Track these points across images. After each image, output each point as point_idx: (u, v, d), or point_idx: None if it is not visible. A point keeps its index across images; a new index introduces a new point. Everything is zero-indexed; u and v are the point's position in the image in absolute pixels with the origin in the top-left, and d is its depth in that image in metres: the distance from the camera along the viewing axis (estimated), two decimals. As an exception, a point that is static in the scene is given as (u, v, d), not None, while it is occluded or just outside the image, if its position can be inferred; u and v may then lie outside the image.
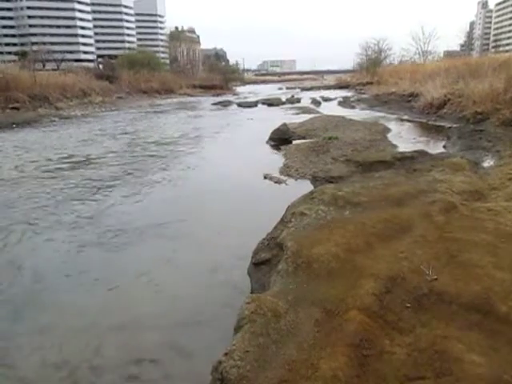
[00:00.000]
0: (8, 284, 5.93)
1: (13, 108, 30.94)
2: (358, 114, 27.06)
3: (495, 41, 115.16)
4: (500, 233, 5.48)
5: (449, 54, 70.35)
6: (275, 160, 13.34)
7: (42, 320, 5.08)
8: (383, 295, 4.13)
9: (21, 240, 7.45)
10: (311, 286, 4.44)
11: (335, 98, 41.33)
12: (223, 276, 5.85)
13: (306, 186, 9.67)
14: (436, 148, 13.99)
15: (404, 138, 16.88)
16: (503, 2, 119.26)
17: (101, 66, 71.32)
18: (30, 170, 13.11)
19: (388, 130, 18.60)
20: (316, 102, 37.94)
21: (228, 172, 12.36)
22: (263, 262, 5.52)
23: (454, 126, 17.48)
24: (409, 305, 4.01)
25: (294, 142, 16.02)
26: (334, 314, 3.87)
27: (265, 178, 11.13)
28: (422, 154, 11.56)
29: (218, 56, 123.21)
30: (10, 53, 78.17)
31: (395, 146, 14.18)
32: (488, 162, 11.17)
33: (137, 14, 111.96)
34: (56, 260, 6.66)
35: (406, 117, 24.07)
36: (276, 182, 10.73)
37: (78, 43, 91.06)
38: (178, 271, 6.22)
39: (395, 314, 3.89)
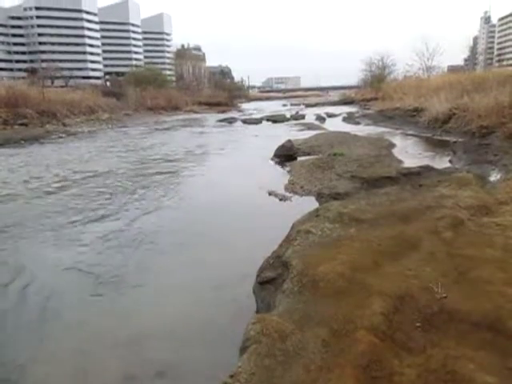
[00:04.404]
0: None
1: (21, 124, 31.42)
2: (362, 129, 27.13)
3: (499, 55, 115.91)
4: (509, 248, 5.38)
5: (453, 69, 70.59)
6: (280, 176, 13.34)
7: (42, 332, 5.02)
8: (392, 314, 4.04)
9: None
10: (317, 306, 4.36)
11: (340, 114, 41.50)
12: (228, 294, 5.78)
13: (311, 203, 9.62)
14: (442, 163, 13.92)
15: (409, 153, 16.85)
16: (506, 17, 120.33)
17: (108, 83, 72.48)
18: (37, 185, 13.20)
19: (393, 145, 18.58)
20: (320, 119, 38.10)
21: (233, 189, 12.36)
22: (268, 281, 5.44)
23: (460, 140, 17.44)
24: (418, 324, 3.92)
25: (299, 159, 16.02)
26: (342, 335, 3.78)
27: (269, 194, 11.10)
28: (427, 169, 11.50)
29: (224, 73, 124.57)
30: (20, 69, 79.85)
31: (401, 162, 14.14)
32: (495, 176, 11.08)
33: (144, 32, 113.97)
34: (54, 269, 6.63)
35: (410, 132, 24.08)
36: (281, 199, 10.69)
37: (86, 61, 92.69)
38: (182, 288, 6.15)
39: (404, 333, 3.80)
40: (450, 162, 14.24)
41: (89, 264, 7.05)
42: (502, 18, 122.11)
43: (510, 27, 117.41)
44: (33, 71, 61.99)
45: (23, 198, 11.59)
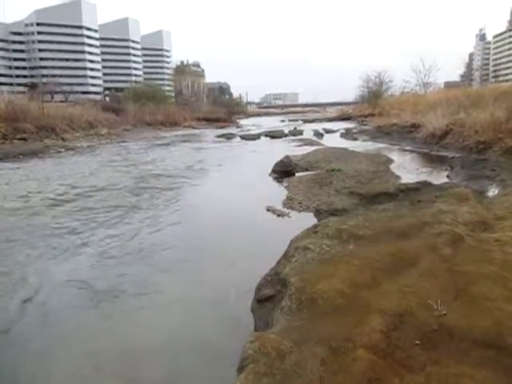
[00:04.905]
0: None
1: (20, 138, 31.48)
2: (360, 145, 27.28)
3: (495, 71, 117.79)
4: (509, 264, 5.35)
5: (449, 85, 71.45)
6: (278, 192, 13.33)
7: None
8: (391, 332, 4.00)
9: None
10: (316, 324, 4.31)
11: (337, 130, 41.75)
12: (226, 311, 5.73)
13: (310, 219, 9.60)
14: (440, 178, 13.96)
15: (407, 168, 16.90)
16: (501, 35, 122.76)
17: (107, 99, 73.02)
18: (36, 200, 13.14)
19: (391, 160, 18.66)
20: (318, 134, 38.32)
21: (231, 204, 12.35)
22: (266, 299, 5.40)
23: (457, 155, 17.54)
24: (418, 342, 3.87)
25: (297, 175, 16.06)
26: (341, 353, 3.73)
27: (267, 210, 11.08)
28: (425, 184, 11.53)
29: (222, 89, 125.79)
30: (20, 84, 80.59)
31: (398, 177, 14.18)
32: (493, 192, 11.11)
33: (144, 49, 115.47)
34: (51, 284, 6.57)
35: (408, 147, 24.20)
36: (279, 215, 10.67)
37: (86, 76, 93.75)
38: (180, 305, 6.10)
39: (404, 351, 3.75)
40: (448, 177, 14.29)
41: (86, 279, 6.99)
42: (497, 36, 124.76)
43: (504, 44, 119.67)
44: (33, 86, 62.54)
45: (20, 213, 11.53)
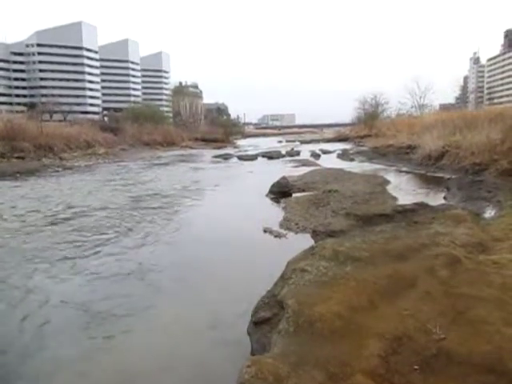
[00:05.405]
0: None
1: (18, 157, 31.57)
2: (357, 166, 27.42)
3: (489, 93, 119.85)
4: (507, 287, 5.32)
5: (444, 107, 72.41)
6: (275, 213, 13.32)
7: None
8: (389, 356, 3.94)
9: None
10: (314, 348, 4.24)
11: (334, 151, 42.03)
12: (223, 334, 5.66)
13: (307, 240, 9.56)
14: (436, 199, 13.98)
15: (404, 189, 16.95)
16: (494, 58, 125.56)
17: (106, 119, 73.54)
18: (31, 219, 13.06)
19: (387, 182, 18.72)
20: (315, 155, 38.54)
21: (228, 225, 12.31)
22: (263, 321, 5.32)
23: (453, 176, 17.62)
24: (417, 367, 3.81)
25: (294, 195, 16.07)
26: (339, 378, 3.67)
27: (265, 231, 11.04)
28: (422, 206, 11.52)
29: (220, 110, 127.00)
30: (19, 103, 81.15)
31: (395, 199, 14.19)
32: (489, 213, 11.12)
33: (143, 70, 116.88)
34: (47, 304, 6.47)
35: (404, 168, 24.33)
36: (276, 236, 10.63)
37: (85, 96, 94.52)
38: (174, 327, 6.03)
39: (403, 376, 3.69)
40: (445, 198, 14.31)
41: (82, 299, 6.93)
42: (491, 59, 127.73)
43: (498, 67, 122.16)
44: (32, 105, 62.98)
45: (15, 232, 11.45)
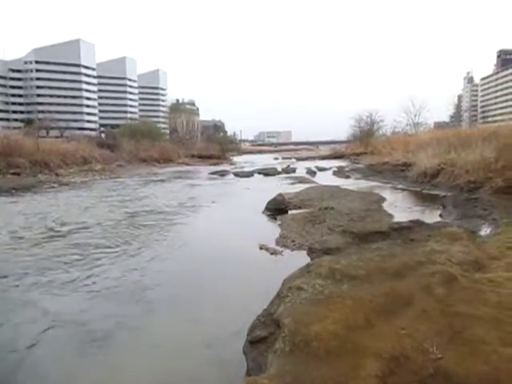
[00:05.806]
0: None
1: (14, 173, 31.51)
2: (352, 183, 27.54)
3: (483, 112, 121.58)
4: (503, 306, 5.30)
5: (439, 125, 73.25)
6: (271, 230, 13.28)
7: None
8: (387, 377, 3.90)
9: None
10: (310, 367, 4.19)
11: (330, 168, 42.23)
12: (218, 353, 5.57)
13: (303, 258, 9.52)
14: (432, 217, 14.01)
15: (399, 207, 17.00)
16: (487, 77, 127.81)
17: (103, 135, 73.79)
18: (26, 235, 12.97)
19: (383, 199, 18.78)
20: (311, 172, 38.72)
21: (224, 242, 12.26)
22: (259, 340, 5.27)
23: (449, 194, 17.73)
24: (414, 387, 3.78)
25: (290, 212, 16.06)
26: (335, 399, 3.62)
27: (261, 248, 10.99)
28: (418, 223, 11.54)
29: (217, 127, 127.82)
30: (16, 120, 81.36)
31: (391, 216, 14.22)
32: (485, 231, 11.14)
33: (140, 87, 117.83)
34: (42, 321, 6.38)
35: (400, 186, 24.45)
36: (272, 253, 10.58)
37: (82, 113, 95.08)
38: (168, 345, 5.95)
39: (400, 397, 3.65)
40: (441, 216, 14.35)
41: (76, 318, 6.83)
42: (484, 78, 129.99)
43: (491, 87, 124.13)
44: (29, 122, 63.11)
45: (10, 248, 11.35)
